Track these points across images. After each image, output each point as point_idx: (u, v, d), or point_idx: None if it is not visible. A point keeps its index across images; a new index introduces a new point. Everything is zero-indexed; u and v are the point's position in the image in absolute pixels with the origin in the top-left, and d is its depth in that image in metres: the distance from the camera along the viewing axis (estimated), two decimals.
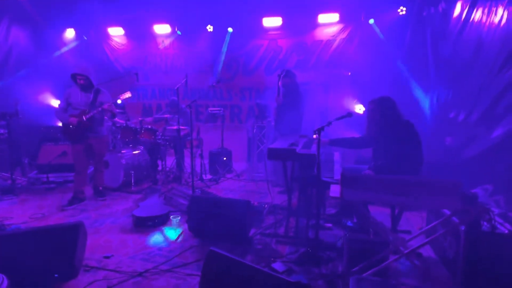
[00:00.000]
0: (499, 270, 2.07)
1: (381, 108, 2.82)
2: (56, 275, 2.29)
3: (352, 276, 1.74)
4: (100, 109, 3.91)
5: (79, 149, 4.03)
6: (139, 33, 7.22)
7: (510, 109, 2.72)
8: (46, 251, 2.28)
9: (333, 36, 6.17)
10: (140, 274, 2.44)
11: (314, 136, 3.18)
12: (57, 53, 7.14)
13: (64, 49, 7.24)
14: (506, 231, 2.18)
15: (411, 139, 2.70)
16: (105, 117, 4.24)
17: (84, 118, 3.90)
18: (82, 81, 3.92)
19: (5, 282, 1.63)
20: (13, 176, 4.63)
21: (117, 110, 4.30)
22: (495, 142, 2.88)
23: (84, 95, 3.98)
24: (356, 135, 3.18)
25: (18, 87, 5.97)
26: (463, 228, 2.19)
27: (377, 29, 5.67)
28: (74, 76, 3.96)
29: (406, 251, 2.16)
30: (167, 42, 7.19)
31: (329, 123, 2.70)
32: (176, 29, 6.87)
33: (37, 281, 2.22)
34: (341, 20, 6.04)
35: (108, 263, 2.62)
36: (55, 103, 6.81)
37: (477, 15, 3.40)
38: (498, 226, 2.25)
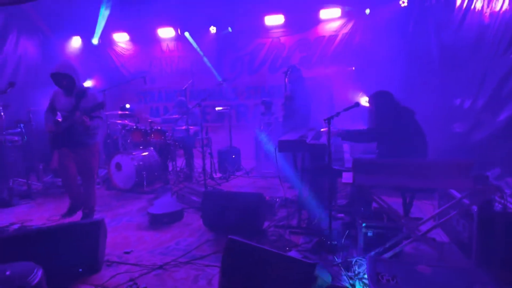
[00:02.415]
0: None
1: (378, 102, 2.92)
2: (80, 270, 2.38)
3: (369, 255, 1.79)
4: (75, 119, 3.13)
5: (63, 158, 3.40)
6: (143, 38, 7.35)
7: None
8: (69, 247, 2.37)
9: (336, 31, 6.21)
10: (160, 267, 2.51)
11: (322, 130, 3.26)
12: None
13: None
14: None
15: (412, 126, 2.77)
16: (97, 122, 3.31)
17: (62, 128, 3.25)
18: (64, 82, 3.23)
19: (40, 272, 1.71)
20: (29, 182, 4.75)
21: (93, 122, 3.22)
22: (501, 125, 2.90)
23: (67, 98, 3.29)
24: (362, 127, 3.23)
25: (29, 95, 6.11)
26: (475, 209, 2.22)
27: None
28: (54, 76, 3.24)
29: (418, 234, 2.19)
30: (171, 45, 7.30)
31: (338, 114, 2.77)
32: (178, 31, 6.97)
33: (62, 276, 2.30)
34: (343, 15, 6.08)
35: (129, 258, 2.71)
36: None
37: (478, 2, 3.45)
38: (510, 206, 2.28)
